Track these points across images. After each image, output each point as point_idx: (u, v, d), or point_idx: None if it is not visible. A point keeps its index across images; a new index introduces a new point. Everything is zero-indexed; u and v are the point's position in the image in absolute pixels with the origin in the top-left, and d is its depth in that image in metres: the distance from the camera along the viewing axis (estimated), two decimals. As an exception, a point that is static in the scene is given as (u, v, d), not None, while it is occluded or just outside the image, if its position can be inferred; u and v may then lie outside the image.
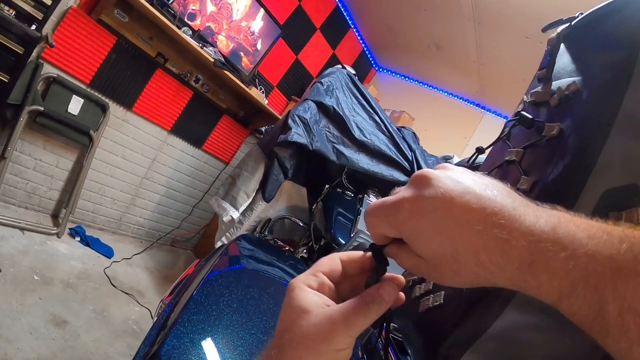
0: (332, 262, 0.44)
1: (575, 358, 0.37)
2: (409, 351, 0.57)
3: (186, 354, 0.60)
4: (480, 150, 0.65)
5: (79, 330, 2.06)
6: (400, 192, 0.38)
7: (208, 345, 0.64)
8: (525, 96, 0.59)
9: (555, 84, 0.52)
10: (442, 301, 0.44)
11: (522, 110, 0.53)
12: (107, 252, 2.98)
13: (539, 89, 0.55)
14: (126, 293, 2.66)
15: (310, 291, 0.41)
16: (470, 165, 0.70)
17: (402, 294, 0.43)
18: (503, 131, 0.61)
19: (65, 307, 2.15)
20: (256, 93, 3.47)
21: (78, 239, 2.92)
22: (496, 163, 0.56)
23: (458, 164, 0.87)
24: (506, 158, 0.53)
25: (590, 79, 0.48)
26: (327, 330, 0.37)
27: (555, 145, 0.46)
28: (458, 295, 0.42)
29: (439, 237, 0.34)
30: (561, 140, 0.45)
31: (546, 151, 0.40)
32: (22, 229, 2.57)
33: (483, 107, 4.47)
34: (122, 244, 3.34)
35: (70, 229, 2.95)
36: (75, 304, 2.23)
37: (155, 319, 0.79)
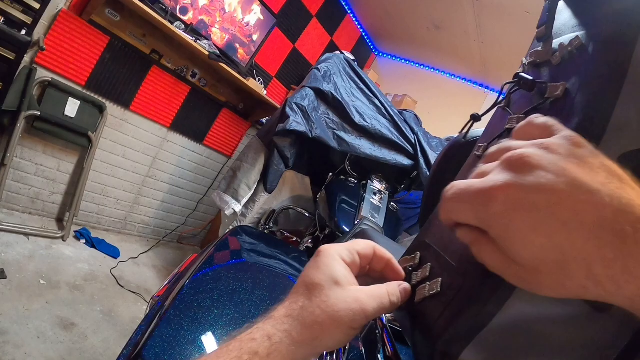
0: (367, 247, 0.44)
1: (595, 348, 0.33)
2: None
3: (172, 354, 0.57)
4: (475, 118, 0.60)
5: (87, 332, 2.05)
6: (491, 176, 0.30)
7: (195, 344, 0.60)
8: (524, 58, 0.54)
9: (556, 42, 0.47)
10: (439, 289, 0.40)
11: (521, 73, 0.49)
12: (113, 252, 2.97)
13: (539, 48, 0.50)
14: (134, 292, 2.64)
15: (343, 264, 0.41)
16: (465, 136, 0.65)
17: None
18: (499, 96, 0.56)
19: (72, 310, 2.14)
20: (254, 84, 3.42)
21: (83, 241, 2.91)
22: (496, 133, 0.51)
23: (455, 140, 0.81)
24: (506, 126, 0.48)
25: (594, 31, 0.43)
26: (354, 309, 0.37)
27: (561, 107, 0.41)
28: (457, 284, 0.38)
29: (540, 240, 0.27)
30: (567, 101, 0.40)
31: (551, 114, 0.35)
32: (26, 234, 2.56)
33: (486, 87, 4.39)
34: (129, 243, 3.34)
35: (75, 231, 2.94)
36: (83, 306, 2.22)
37: (145, 315, 0.76)
